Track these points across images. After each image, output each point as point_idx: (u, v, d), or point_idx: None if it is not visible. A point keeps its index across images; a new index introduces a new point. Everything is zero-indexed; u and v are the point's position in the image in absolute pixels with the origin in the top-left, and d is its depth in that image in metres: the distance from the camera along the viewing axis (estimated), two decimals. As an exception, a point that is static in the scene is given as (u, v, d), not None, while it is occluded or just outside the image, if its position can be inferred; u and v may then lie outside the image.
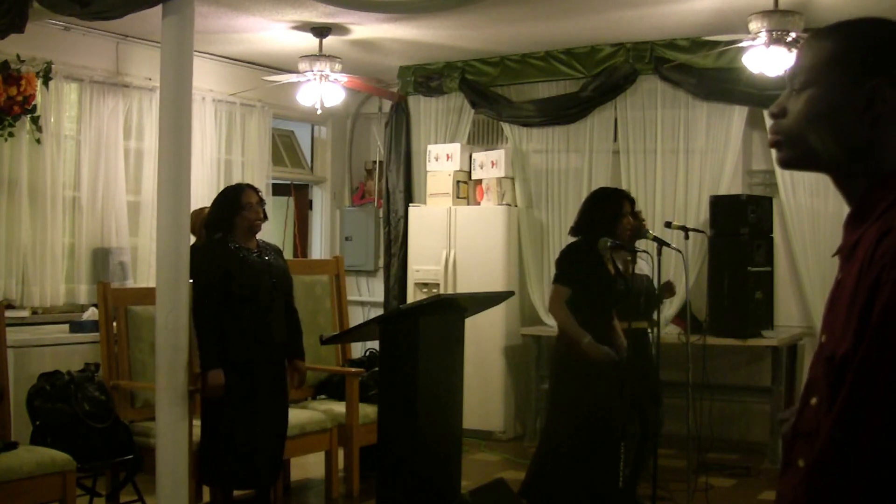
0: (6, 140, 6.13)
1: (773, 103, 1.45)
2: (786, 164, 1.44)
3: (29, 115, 6.21)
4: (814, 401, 1.32)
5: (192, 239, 5.80)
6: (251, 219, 4.88)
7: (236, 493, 5.11)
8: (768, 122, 1.56)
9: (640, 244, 5.31)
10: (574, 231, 4.97)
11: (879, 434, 1.17)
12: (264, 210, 5.02)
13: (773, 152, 1.47)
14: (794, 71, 1.42)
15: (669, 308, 6.73)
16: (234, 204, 4.89)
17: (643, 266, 5.36)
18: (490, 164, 7.62)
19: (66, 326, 6.17)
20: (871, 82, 1.33)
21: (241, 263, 4.81)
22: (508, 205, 7.54)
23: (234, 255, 4.82)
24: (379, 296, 8.53)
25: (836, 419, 1.22)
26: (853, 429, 1.20)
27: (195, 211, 5.64)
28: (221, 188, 7.16)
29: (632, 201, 5.08)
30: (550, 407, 5.29)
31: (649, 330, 5.23)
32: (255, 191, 5.00)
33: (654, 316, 5.10)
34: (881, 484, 1.17)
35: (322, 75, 6.90)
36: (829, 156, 1.38)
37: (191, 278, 4.63)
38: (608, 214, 4.87)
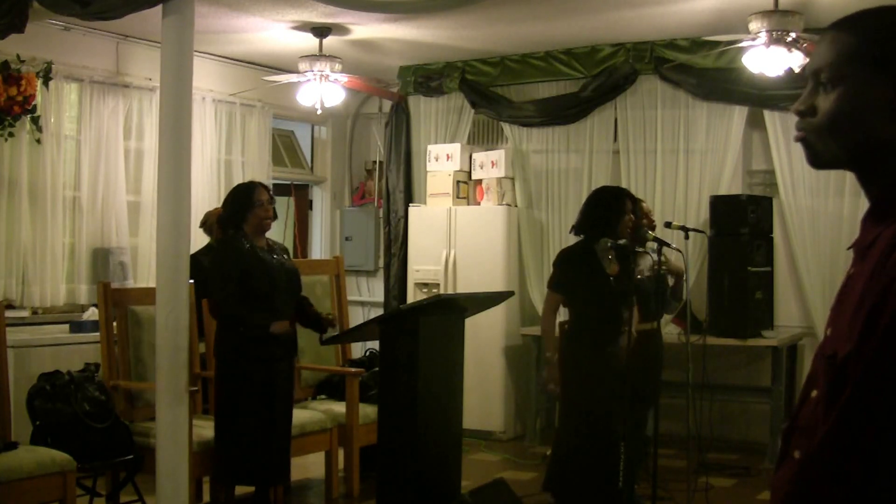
0: (6, 140, 6.12)
1: (797, 101, 1.39)
2: (816, 163, 1.40)
3: (29, 115, 6.20)
4: (814, 394, 1.33)
5: (208, 239, 5.93)
6: (262, 216, 4.93)
7: (236, 493, 5.11)
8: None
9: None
10: (576, 230, 4.97)
11: (879, 437, 1.19)
12: (274, 209, 5.05)
13: (803, 151, 1.40)
14: (819, 65, 1.36)
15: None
16: (247, 201, 4.93)
17: (644, 267, 5.35)
18: (490, 164, 7.62)
19: (66, 326, 6.17)
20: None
21: (258, 261, 4.85)
22: (508, 205, 7.53)
23: (250, 252, 4.85)
24: (379, 296, 8.53)
25: (838, 419, 1.23)
26: (854, 429, 1.21)
27: (211, 211, 5.74)
28: (222, 188, 7.23)
29: (633, 200, 5.09)
30: (560, 406, 5.29)
31: (656, 328, 5.22)
32: (266, 189, 5.05)
33: (657, 314, 5.10)
34: (873, 488, 1.19)
35: (322, 75, 6.90)
36: (856, 154, 1.35)
37: (209, 274, 4.67)
38: (611, 213, 4.86)
